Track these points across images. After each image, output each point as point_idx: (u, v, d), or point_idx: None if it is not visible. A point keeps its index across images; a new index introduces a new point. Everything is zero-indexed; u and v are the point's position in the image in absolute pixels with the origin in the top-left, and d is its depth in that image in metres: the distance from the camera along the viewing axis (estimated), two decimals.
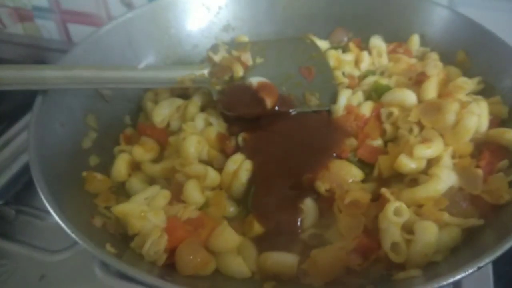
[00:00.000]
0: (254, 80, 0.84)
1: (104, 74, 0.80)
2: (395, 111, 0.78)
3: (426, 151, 0.69)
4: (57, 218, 0.56)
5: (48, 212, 0.58)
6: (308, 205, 0.69)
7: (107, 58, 0.91)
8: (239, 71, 0.88)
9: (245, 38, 1.05)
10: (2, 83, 0.72)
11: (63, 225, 0.55)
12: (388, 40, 1.00)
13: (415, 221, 0.61)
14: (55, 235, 0.83)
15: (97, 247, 0.54)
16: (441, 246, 0.60)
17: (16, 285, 0.80)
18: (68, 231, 0.55)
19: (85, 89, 0.82)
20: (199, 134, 0.79)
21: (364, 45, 1.00)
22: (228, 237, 0.64)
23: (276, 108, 0.81)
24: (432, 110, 0.74)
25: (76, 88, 0.79)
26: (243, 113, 0.82)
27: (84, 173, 0.73)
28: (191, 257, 0.59)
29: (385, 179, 0.72)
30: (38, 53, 1.47)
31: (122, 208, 0.64)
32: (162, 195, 0.68)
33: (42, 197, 0.59)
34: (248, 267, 0.64)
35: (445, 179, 0.65)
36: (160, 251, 0.60)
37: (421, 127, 0.75)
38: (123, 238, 0.64)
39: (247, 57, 0.89)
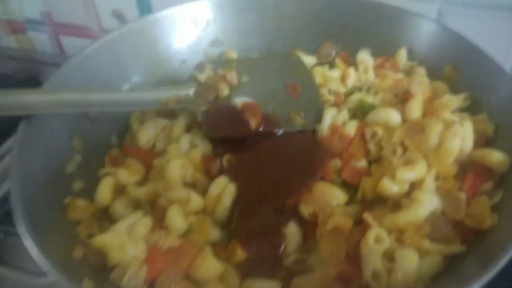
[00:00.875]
0: (239, 101, 0.84)
1: (88, 97, 0.80)
2: (379, 130, 0.77)
3: (408, 174, 0.68)
4: (34, 254, 0.56)
5: None
6: (292, 229, 0.69)
7: (94, 77, 0.91)
8: (225, 90, 0.87)
9: (234, 53, 1.05)
10: None
11: (39, 261, 0.55)
12: (375, 53, 0.99)
13: (396, 249, 0.61)
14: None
15: (74, 283, 0.54)
16: (422, 274, 0.59)
17: None
18: (45, 267, 0.55)
19: (70, 113, 0.81)
20: (184, 156, 0.79)
21: (351, 59, 1.00)
22: (209, 266, 0.64)
23: (261, 128, 0.81)
24: (415, 130, 0.74)
25: (60, 112, 0.79)
26: (228, 134, 0.82)
27: (67, 200, 0.73)
28: None
29: (369, 201, 0.71)
30: (31, 67, 1.47)
31: (101, 240, 0.64)
32: (143, 223, 0.68)
33: (23, 229, 0.59)
34: None
35: (427, 204, 0.64)
36: (140, 283, 0.60)
37: (405, 148, 0.74)
38: (103, 269, 0.63)
39: (232, 76, 0.89)
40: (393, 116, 0.78)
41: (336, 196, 0.72)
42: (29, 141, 0.74)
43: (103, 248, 0.63)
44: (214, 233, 0.72)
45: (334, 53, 1.04)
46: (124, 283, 0.60)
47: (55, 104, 0.77)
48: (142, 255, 0.63)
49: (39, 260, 0.56)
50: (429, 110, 0.80)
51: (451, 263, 0.62)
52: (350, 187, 0.74)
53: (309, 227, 0.70)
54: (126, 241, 0.63)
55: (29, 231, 0.60)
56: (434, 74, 0.92)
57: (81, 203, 0.73)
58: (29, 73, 1.36)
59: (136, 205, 0.77)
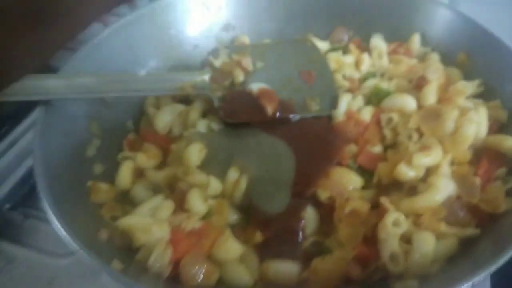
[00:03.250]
0: (255, 87, 0.84)
1: (105, 83, 0.81)
2: (395, 116, 0.78)
3: (425, 160, 0.70)
4: (64, 233, 0.58)
5: None
6: (310, 213, 0.70)
7: (108, 62, 0.91)
8: (240, 76, 0.88)
9: (246, 38, 1.05)
10: (3, 94, 0.72)
11: (70, 240, 0.57)
12: (388, 39, 1.00)
13: (413, 232, 0.62)
14: (63, 239, 0.85)
15: (104, 263, 0.56)
16: (438, 256, 0.61)
17: None
18: (76, 246, 0.57)
19: (87, 98, 0.82)
20: (201, 141, 0.80)
21: (364, 45, 1.00)
22: (231, 247, 0.66)
23: (277, 114, 0.82)
24: (431, 116, 0.75)
25: (77, 97, 0.80)
26: (245, 120, 0.82)
27: (90, 183, 0.74)
28: (195, 269, 0.61)
29: (384, 186, 0.73)
30: None
31: (127, 222, 0.66)
32: (165, 206, 0.69)
33: (50, 213, 0.60)
34: (250, 276, 0.66)
35: (443, 188, 0.66)
36: (165, 263, 0.62)
37: (421, 134, 0.75)
38: (129, 250, 0.65)
39: (247, 62, 0.89)
40: (409, 102, 0.79)
41: (352, 180, 0.73)
42: (50, 125, 0.75)
43: (129, 230, 0.65)
44: (233, 216, 0.74)
45: (346, 38, 1.04)
46: (150, 264, 0.62)
47: (73, 89, 0.78)
48: (166, 236, 0.64)
49: (69, 240, 0.57)
50: (444, 96, 0.81)
51: (466, 246, 0.64)
52: (365, 172, 0.76)
53: (326, 211, 0.71)
54: (151, 223, 0.65)
55: (56, 212, 0.61)
56: (447, 60, 0.92)
57: (104, 186, 0.74)
58: None
59: (155, 188, 0.78)
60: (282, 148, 0.79)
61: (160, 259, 0.61)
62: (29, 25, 0.83)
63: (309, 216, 0.71)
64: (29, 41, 0.84)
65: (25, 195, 0.94)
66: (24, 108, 1.09)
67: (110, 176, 0.80)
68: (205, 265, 0.63)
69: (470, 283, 0.52)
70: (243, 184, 0.74)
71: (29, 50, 0.84)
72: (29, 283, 0.82)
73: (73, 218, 0.63)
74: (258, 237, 0.70)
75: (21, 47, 0.82)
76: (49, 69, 1.25)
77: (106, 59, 0.91)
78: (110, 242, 0.65)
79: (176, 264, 0.63)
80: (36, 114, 1.06)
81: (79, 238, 0.59)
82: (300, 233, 0.69)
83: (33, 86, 0.76)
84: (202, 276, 0.62)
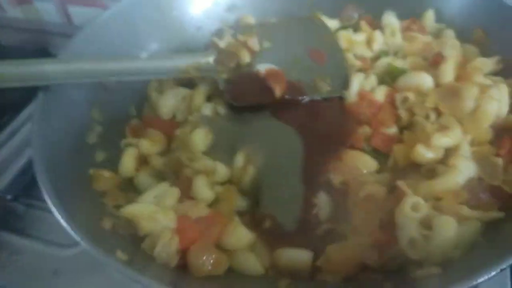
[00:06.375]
0: (262, 68, 0.80)
1: (105, 66, 0.77)
2: (411, 96, 0.74)
3: (444, 140, 0.66)
4: (65, 224, 0.55)
5: None
6: (322, 199, 0.67)
7: (109, 45, 0.88)
8: (246, 57, 0.84)
9: (250, 18, 1.01)
10: (1, 80, 0.69)
11: (71, 231, 0.54)
12: (401, 16, 0.95)
13: (433, 216, 0.59)
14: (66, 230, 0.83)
15: (107, 255, 0.53)
16: (460, 241, 0.58)
17: (30, 281, 0.80)
18: (77, 238, 0.54)
19: (87, 82, 0.79)
20: (207, 125, 0.76)
21: (376, 23, 0.95)
22: (240, 235, 0.63)
23: (286, 96, 0.78)
24: (449, 95, 0.71)
25: (77, 82, 0.77)
26: (252, 102, 0.79)
27: (91, 171, 0.71)
28: (204, 258, 0.58)
29: (400, 168, 0.69)
30: (39, 38, 1.44)
31: (131, 210, 0.63)
32: (171, 193, 0.66)
33: (49, 202, 0.58)
34: (261, 264, 0.63)
35: (464, 170, 0.62)
36: (172, 253, 0.59)
37: (438, 113, 0.72)
38: (133, 239, 0.62)
39: (253, 42, 0.85)
40: (426, 80, 0.74)
41: (366, 164, 0.70)
42: (49, 111, 0.73)
43: (133, 218, 0.62)
44: (240, 203, 0.71)
45: (356, 16, 1.00)
46: (156, 253, 0.59)
47: (72, 73, 0.75)
48: (172, 224, 0.61)
49: (70, 231, 0.55)
50: (462, 74, 0.77)
51: (489, 230, 0.60)
52: (380, 154, 0.72)
53: (340, 196, 0.68)
54: (156, 210, 0.62)
55: (56, 202, 0.58)
56: (463, 37, 0.88)
57: (106, 174, 0.71)
58: (38, 44, 1.32)
59: (160, 175, 0.75)
60: (292, 131, 0.76)
61: (166, 248, 0.59)
62: None
63: (323, 202, 0.67)
64: None
65: (27, 185, 0.92)
66: (25, 97, 1.07)
67: (112, 163, 0.77)
68: (214, 254, 0.60)
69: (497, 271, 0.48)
70: (251, 170, 0.71)
71: None
72: (34, 274, 0.81)
73: (74, 208, 0.60)
74: (268, 223, 0.67)
75: None
76: (48, 55, 1.23)
77: (106, 43, 0.88)
78: (114, 232, 0.62)
79: (183, 253, 0.60)
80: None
81: (81, 228, 0.56)
82: (313, 220, 0.66)
83: (32, 71, 0.72)
84: (211, 265, 0.59)
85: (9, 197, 0.90)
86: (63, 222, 0.56)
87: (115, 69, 0.78)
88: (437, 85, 0.75)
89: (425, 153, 0.66)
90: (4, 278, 0.80)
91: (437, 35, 0.90)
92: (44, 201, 0.89)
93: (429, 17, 0.93)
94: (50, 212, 0.89)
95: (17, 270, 0.81)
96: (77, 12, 1.48)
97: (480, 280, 0.48)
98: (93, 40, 0.86)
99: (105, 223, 0.62)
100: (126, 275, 0.52)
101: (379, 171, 0.70)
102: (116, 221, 0.63)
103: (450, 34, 0.89)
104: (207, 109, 0.80)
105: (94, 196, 0.69)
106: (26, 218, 0.90)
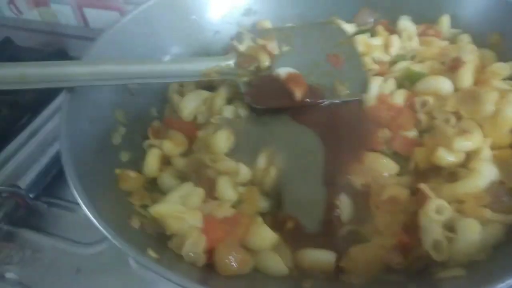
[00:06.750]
0: (282, 71, 0.82)
1: (129, 69, 0.78)
2: (430, 99, 0.75)
3: (465, 144, 0.67)
4: (96, 223, 0.56)
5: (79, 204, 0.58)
6: (344, 201, 0.68)
7: (130, 49, 0.89)
8: (266, 61, 0.86)
9: (268, 23, 1.02)
10: (26, 81, 0.70)
11: (103, 230, 0.55)
12: (416, 21, 0.96)
13: (457, 219, 0.60)
14: (88, 228, 0.83)
15: (139, 252, 0.54)
16: (483, 244, 0.58)
17: (53, 279, 0.81)
18: (109, 236, 0.55)
19: (111, 85, 0.80)
20: (228, 127, 0.78)
21: (392, 28, 0.96)
22: (264, 235, 0.64)
23: (306, 100, 0.79)
24: (469, 99, 0.72)
25: (101, 84, 0.78)
26: (273, 105, 0.80)
27: (118, 171, 0.72)
28: (231, 257, 0.60)
29: (421, 171, 0.70)
30: (56, 40, 1.46)
31: (159, 209, 0.64)
32: (196, 194, 0.68)
33: (80, 201, 0.59)
34: (285, 264, 0.64)
35: (486, 173, 0.63)
36: (200, 252, 0.60)
37: (458, 117, 0.72)
38: (160, 238, 0.64)
39: (273, 46, 0.86)
40: (445, 85, 0.75)
41: (387, 166, 0.71)
42: (74, 112, 0.74)
43: (161, 218, 0.63)
44: (263, 204, 0.72)
45: (372, 20, 1.01)
46: (184, 252, 0.60)
47: (96, 76, 0.76)
48: (199, 224, 0.63)
49: (100, 228, 0.56)
50: (480, 78, 0.78)
51: (510, 233, 0.61)
52: (400, 157, 0.73)
53: (361, 198, 0.69)
54: (184, 210, 0.63)
55: (86, 201, 0.60)
56: (479, 41, 0.88)
57: (132, 174, 0.72)
58: (56, 47, 1.34)
59: (183, 176, 0.77)
60: (312, 134, 0.77)
61: (194, 247, 0.60)
62: None
63: (344, 204, 0.68)
64: None
65: (48, 184, 0.93)
66: (45, 97, 1.09)
67: (136, 164, 0.78)
68: (240, 253, 0.61)
69: None
70: (273, 171, 0.72)
71: None
72: (57, 272, 0.82)
73: (103, 206, 0.61)
74: (290, 225, 0.68)
75: None
76: (66, 57, 1.25)
77: (126, 47, 0.89)
78: (142, 230, 0.63)
79: (210, 252, 0.61)
80: (58, 102, 1.06)
81: (111, 226, 0.57)
82: (336, 221, 0.66)
83: (56, 73, 0.74)
84: (237, 264, 0.60)
85: (31, 196, 0.91)
86: (94, 221, 0.57)
87: (139, 71, 0.79)
88: (456, 89, 0.76)
89: (447, 157, 0.66)
90: (28, 275, 0.82)
91: (452, 40, 0.91)
92: (64, 200, 0.92)
93: (445, 22, 0.93)
94: (71, 210, 0.92)
95: (40, 268, 0.83)
96: (94, 15, 1.50)
97: (504, 283, 0.48)
98: (114, 44, 0.87)
99: (134, 222, 0.63)
100: (158, 273, 0.52)
101: (400, 174, 0.71)
102: (143, 221, 0.64)
103: (466, 38, 0.89)
104: (228, 112, 0.81)
105: (121, 195, 0.70)
106: (47, 216, 0.91)
